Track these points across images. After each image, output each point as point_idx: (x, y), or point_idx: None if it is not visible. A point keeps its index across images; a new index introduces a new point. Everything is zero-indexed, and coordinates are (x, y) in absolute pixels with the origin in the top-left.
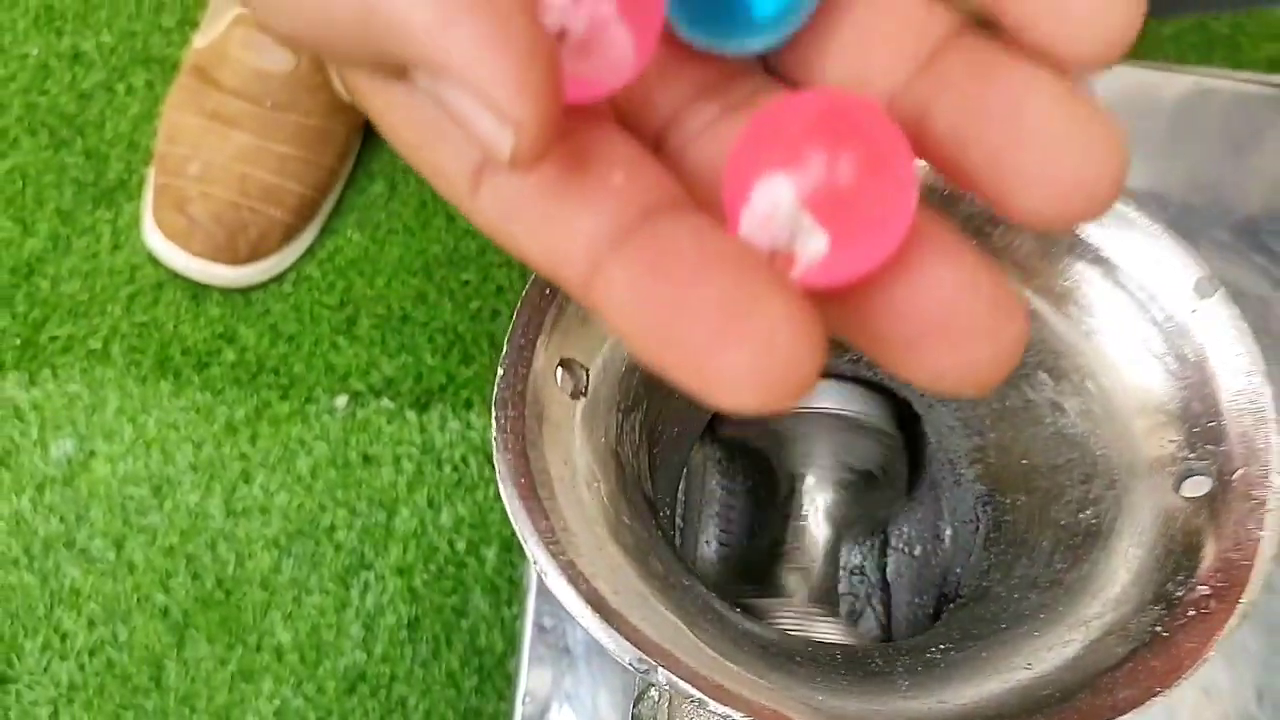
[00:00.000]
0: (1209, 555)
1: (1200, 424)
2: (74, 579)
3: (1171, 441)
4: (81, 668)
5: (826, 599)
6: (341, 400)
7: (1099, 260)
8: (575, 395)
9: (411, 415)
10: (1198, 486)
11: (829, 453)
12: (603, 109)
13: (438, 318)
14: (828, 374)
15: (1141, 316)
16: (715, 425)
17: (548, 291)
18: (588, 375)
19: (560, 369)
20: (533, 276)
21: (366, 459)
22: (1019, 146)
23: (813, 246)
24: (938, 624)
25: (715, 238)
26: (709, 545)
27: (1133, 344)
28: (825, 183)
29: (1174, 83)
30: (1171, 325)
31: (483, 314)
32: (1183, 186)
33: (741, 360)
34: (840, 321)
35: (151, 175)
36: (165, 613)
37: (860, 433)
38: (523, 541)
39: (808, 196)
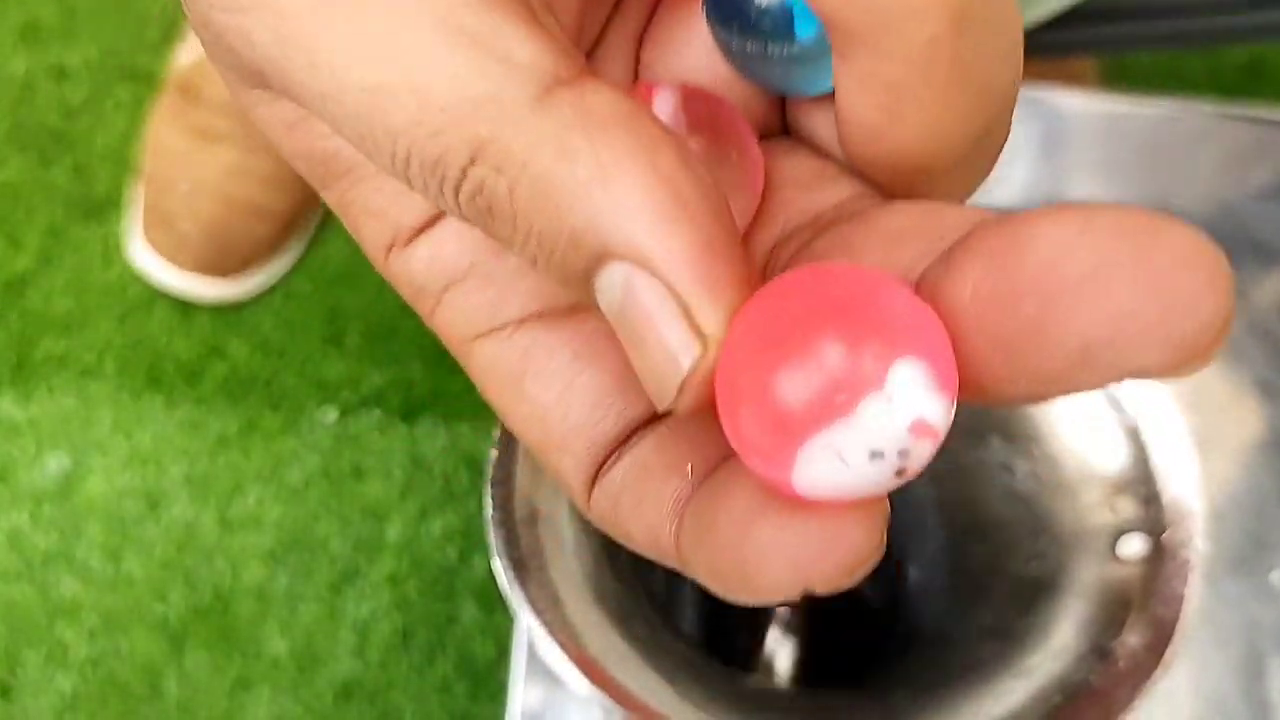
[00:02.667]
0: (1141, 611)
1: (1134, 489)
2: (73, 592)
3: (1109, 504)
4: (84, 679)
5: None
6: (331, 413)
7: None
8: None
9: (401, 426)
10: (1133, 547)
11: None
12: None
13: (425, 330)
14: None
15: None
16: None
17: None
18: None
19: None
20: None
21: (357, 470)
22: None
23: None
24: (903, 661)
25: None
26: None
27: (1077, 411)
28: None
29: (1144, 111)
30: (1111, 394)
31: None
32: (1156, 210)
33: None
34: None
35: (138, 192)
36: (163, 624)
37: None
38: (515, 610)
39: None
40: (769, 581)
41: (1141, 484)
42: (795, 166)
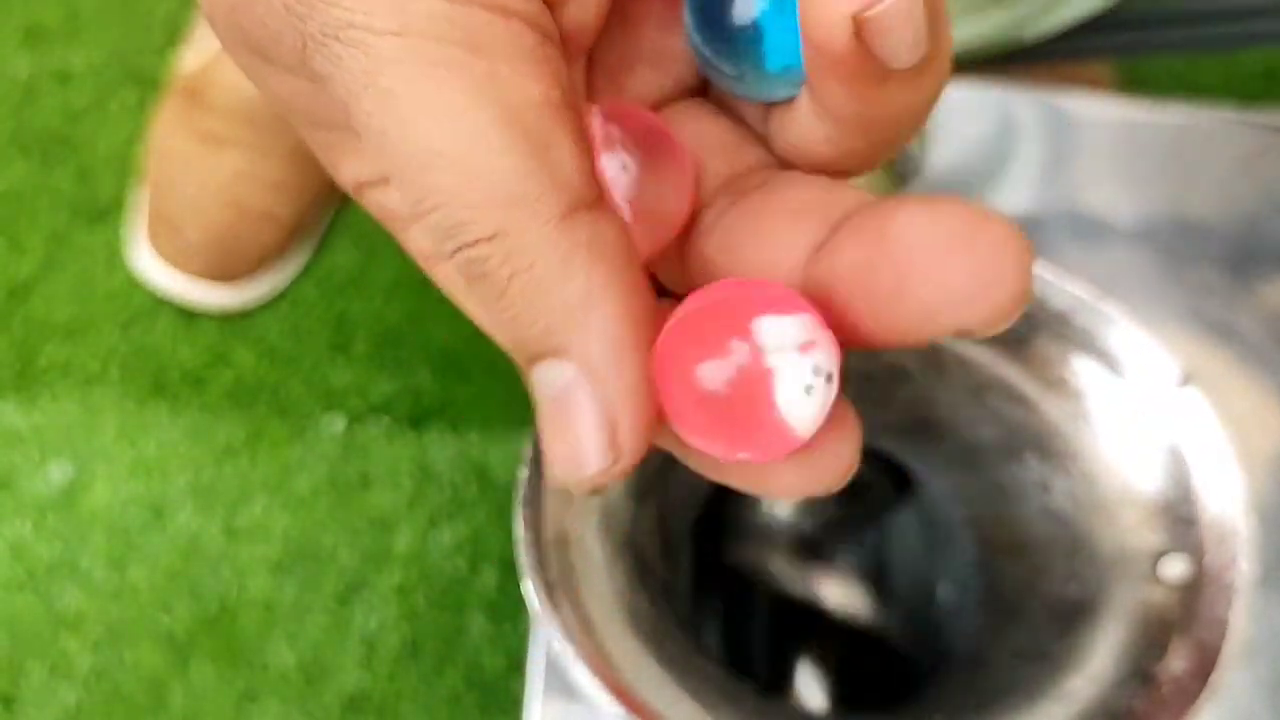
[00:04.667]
0: (1184, 636)
1: (1177, 510)
2: (77, 602)
3: (1149, 525)
4: (88, 691)
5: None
6: (339, 421)
7: (1090, 350)
8: (595, 492)
9: (409, 435)
10: (1174, 569)
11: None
12: None
13: (434, 337)
14: None
15: (1125, 405)
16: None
17: None
18: None
19: None
20: None
21: (365, 479)
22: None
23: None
24: (934, 682)
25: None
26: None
27: (1116, 431)
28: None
29: (1162, 118)
30: (1151, 414)
31: (479, 333)
32: (1169, 221)
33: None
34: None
35: (142, 197)
36: (168, 635)
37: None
38: (548, 635)
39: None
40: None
41: (1183, 504)
42: (716, 133)
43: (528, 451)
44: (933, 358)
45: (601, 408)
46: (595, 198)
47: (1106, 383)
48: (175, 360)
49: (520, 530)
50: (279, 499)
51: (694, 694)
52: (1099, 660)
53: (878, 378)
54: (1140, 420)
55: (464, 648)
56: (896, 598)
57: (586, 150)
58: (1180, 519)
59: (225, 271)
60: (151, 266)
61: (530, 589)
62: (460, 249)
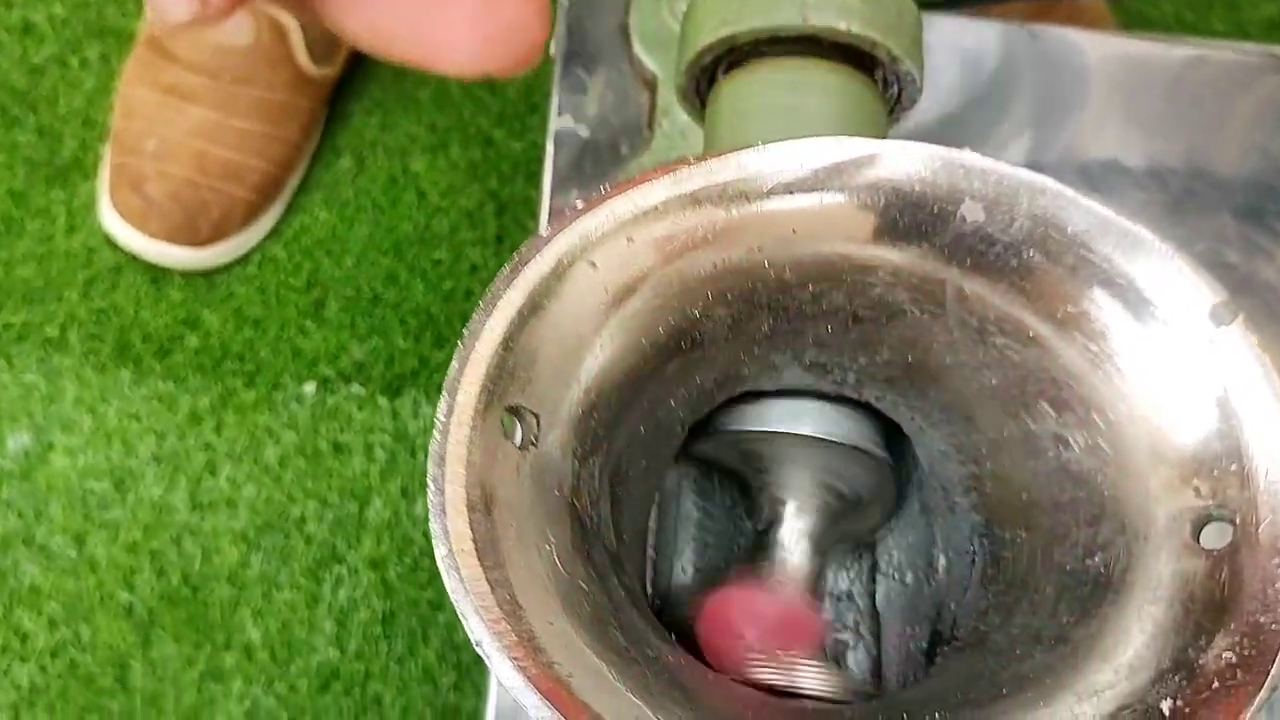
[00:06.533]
0: (1234, 617)
1: (1220, 466)
2: (33, 577)
3: (1188, 485)
4: (43, 669)
5: None
6: (310, 387)
7: (1108, 283)
8: (524, 447)
9: (383, 401)
10: (1218, 536)
11: (812, 479)
12: None
13: (409, 299)
14: (808, 394)
15: (1154, 345)
16: (689, 446)
17: (492, 331)
18: (538, 422)
19: (506, 417)
20: (471, 320)
21: (337, 448)
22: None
23: None
24: (932, 670)
25: None
26: (685, 572)
27: (1145, 375)
28: None
29: (1171, 54)
30: (1188, 356)
31: (456, 294)
32: (1182, 165)
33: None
34: None
35: (107, 153)
36: (129, 611)
37: (846, 458)
38: (463, 619)
39: None
40: None
41: (1231, 460)
42: None
43: (441, 405)
44: (928, 291)
45: None
46: None
47: (1135, 319)
48: (139, 324)
49: (432, 494)
50: (246, 468)
51: (638, 689)
52: (1130, 648)
53: (864, 317)
54: (1177, 364)
55: (439, 624)
56: (885, 570)
57: None
58: (1228, 479)
59: (191, 232)
60: (116, 226)
61: (443, 564)
62: None
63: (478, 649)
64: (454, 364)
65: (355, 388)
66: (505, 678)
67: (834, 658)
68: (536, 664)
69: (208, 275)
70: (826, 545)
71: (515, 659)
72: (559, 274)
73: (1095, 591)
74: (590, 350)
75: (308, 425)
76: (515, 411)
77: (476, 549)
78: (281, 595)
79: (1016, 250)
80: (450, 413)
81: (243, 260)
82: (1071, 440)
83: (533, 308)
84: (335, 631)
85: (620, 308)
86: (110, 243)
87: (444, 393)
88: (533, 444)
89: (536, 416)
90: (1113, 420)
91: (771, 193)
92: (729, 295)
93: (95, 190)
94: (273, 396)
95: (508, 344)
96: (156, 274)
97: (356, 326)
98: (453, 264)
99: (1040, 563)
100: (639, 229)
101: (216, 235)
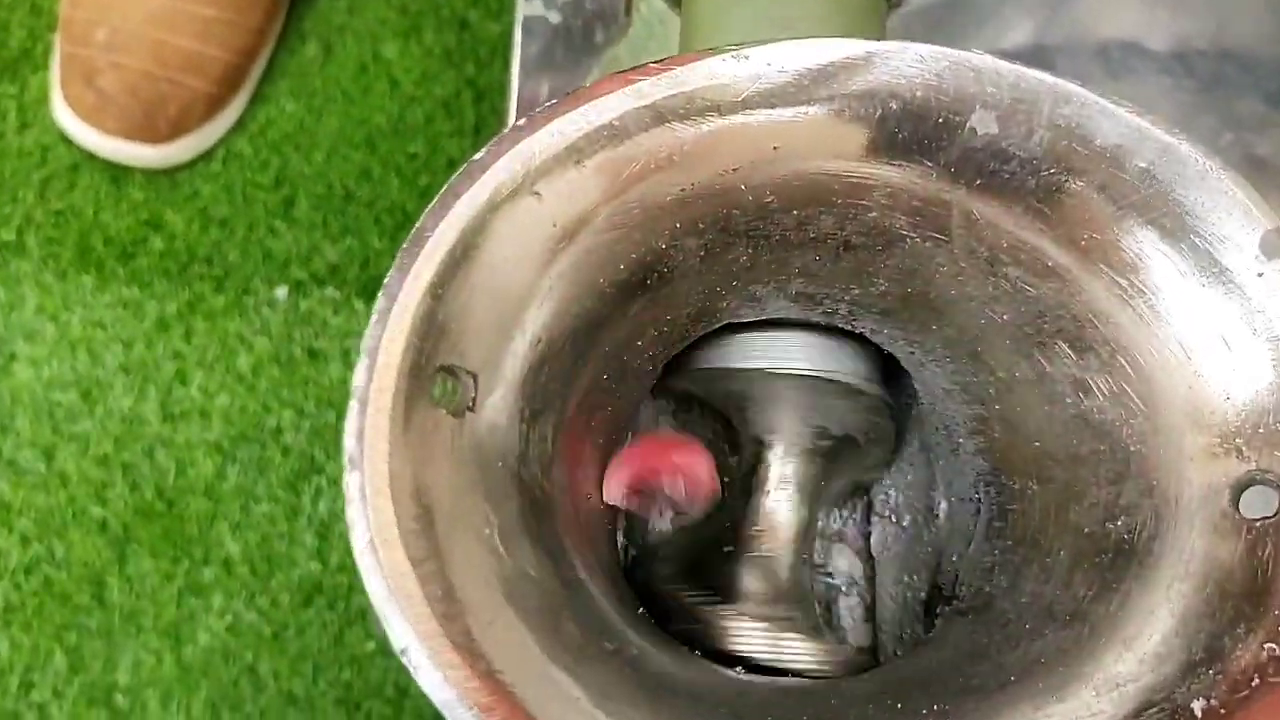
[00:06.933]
0: (1274, 599)
1: (1268, 425)
2: (3, 493)
3: (1229, 445)
4: (18, 587)
5: (794, 598)
6: (282, 290)
7: (1142, 207)
8: (458, 413)
9: (359, 305)
10: (1263, 502)
11: (799, 418)
12: None
13: (384, 196)
14: (795, 324)
15: (1192, 279)
16: (665, 381)
17: (417, 279)
18: (475, 383)
19: (439, 378)
20: (392, 270)
21: (312, 354)
22: None
23: None
24: (932, 636)
25: None
26: (662, 514)
27: (1181, 313)
28: None
29: None
30: (1232, 292)
31: (433, 190)
32: (1211, 48)
33: None
34: None
35: (57, 43)
36: (103, 526)
37: (836, 394)
38: (384, 623)
39: None
40: None
41: (1278, 417)
42: None
43: (359, 372)
44: (931, 216)
45: None
46: None
47: (1172, 249)
48: (100, 227)
49: (349, 471)
50: (219, 377)
51: (596, 693)
52: (1156, 632)
53: (857, 245)
54: (1220, 302)
55: None
56: (882, 511)
57: None
58: (1271, 436)
59: (150, 128)
60: (70, 123)
61: (361, 554)
62: None
63: (403, 658)
64: (373, 321)
65: (329, 291)
66: (435, 692)
67: (824, 604)
68: (475, 673)
69: (170, 173)
70: (818, 492)
71: (449, 669)
72: (496, 206)
73: (1117, 561)
74: (537, 295)
75: (281, 331)
76: (449, 372)
77: (402, 538)
78: (260, 508)
79: (1035, 168)
80: (370, 379)
81: (206, 156)
82: (1093, 386)
83: (465, 248)
84: (316, 544)
85: (571, 244)
86: (65, 140)
87: (362, 355)
88: (470, 409)
89: (474, 377)
90: (1143, 366)
91: (748, 104)
92: (700, 224)
93: (47, 84)
94: (243, 301)
95: (435, 293)
96: (116, 172)
97: (329, 226)
98: (429, 158)
99: (1054, 521)
100: (591, 150)
101: (177, 131)
